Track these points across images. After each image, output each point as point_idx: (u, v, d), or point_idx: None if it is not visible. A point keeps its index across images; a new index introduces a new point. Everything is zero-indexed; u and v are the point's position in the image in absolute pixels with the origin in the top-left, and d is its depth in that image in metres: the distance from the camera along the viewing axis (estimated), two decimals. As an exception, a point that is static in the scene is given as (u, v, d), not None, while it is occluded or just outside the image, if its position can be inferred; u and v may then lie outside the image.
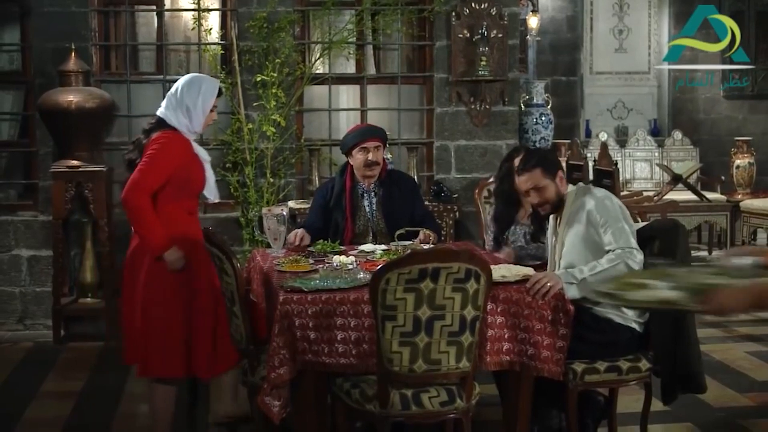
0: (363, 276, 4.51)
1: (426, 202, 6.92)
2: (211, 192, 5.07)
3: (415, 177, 7.47)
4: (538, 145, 8.56)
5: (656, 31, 13.43)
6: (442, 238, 6.77)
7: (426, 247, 5.17)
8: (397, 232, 5.49)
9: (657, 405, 4.96)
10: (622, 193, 9.34)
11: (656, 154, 12.09)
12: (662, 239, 4.69)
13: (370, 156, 5.73)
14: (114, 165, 7.75)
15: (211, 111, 4.97)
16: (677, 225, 4.88)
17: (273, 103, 7.57)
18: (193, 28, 7.93)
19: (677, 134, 12.26)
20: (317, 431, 4.45)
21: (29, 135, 7.92)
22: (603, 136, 11.95)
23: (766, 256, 3.22)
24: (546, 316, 4.38)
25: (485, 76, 7.89)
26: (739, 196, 11.24)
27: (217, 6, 8.06)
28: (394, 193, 5.82)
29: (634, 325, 4.70)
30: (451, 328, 4.06)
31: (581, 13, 13.37)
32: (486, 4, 7.94)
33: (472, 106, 8.06)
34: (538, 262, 5.38)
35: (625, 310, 4.65)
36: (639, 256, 4.56)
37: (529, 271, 4.65)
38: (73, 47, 7.42)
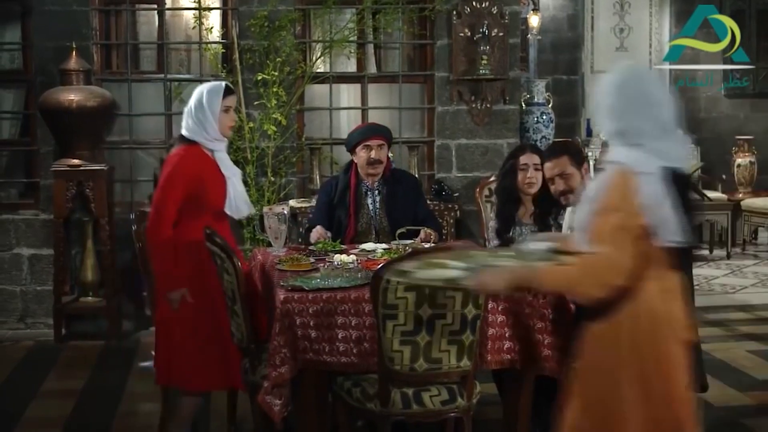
0: (364, 275, 4.51)
1: (427, 202, 6.92)
2: (232, 209, 4.96)
3: (416, 176, 7.46)
4: (538, 144, 8.55)
5: (657, 30, 13.42)
6: (443, 237, 6.77)
7: (427, 246, 5.17)
8: (398, 231, 5.50)
9: (658, 404, 4.95)
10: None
11: (657, 152, 12.06)
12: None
13: (373, 154, 5.74)
14: (115, 164, 7.76)
15: (226, 112, 4.91)
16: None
17: (274, 102, 7.57)
18: (194, 27, 7.93)
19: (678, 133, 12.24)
20: (318, 430, 4.45)
21: (30, 134, 7.92)
22: (604, 135, 11.95)
23: (563, 243, 3.38)
24: (547, 315, 4.38)
25: (486, 75, 7.88)
26: (740, 195, 11.27)
27: (218, 5, 8.06)
28: (397, 192, 5.83)
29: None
30: (452, 327, 4.07)
31: (582, 12, 13.35)
32: (487, 3, 7.93)
33: (473, 105, 8.05)
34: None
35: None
36: None
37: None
38: (74, 46, 7.42)
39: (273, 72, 7.54)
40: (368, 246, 5.36)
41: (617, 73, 3.27)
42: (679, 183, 3.12)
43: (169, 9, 8.14)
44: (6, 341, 7.48)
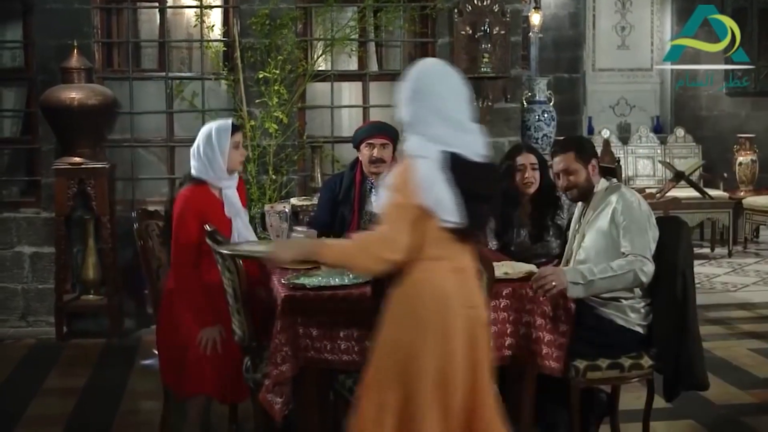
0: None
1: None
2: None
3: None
4: (540, 142, 8.56)
5: (659, 28, 13.43)
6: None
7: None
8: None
9: (659, 402, 4.96)
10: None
11: (659, 151, 12.08)
12: (665, 236, 4.68)
13: (375, 152, 5.74)
14: (116, 162, 7.76)
15: (236, 148, 4.97)
16: (680, 222, 4.87)
17: (275, 100, 7.57)
18: (195, 25, 7.94)
19: (680, 131, 12.26)
20: (319, 429, 4.44)
21: (32, 132, 7.92)
22: (605, 133, 11.95)
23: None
24: (548, 313, 4.38)
25: (487, 73, 7.88)
26: (742, 193, 11.27)
27: (219, 3, 8.06)
28: None
29: (638, 328, 4.68)
30: (454, 325, 4.06)
31: (584, 10, 13.36)
32: (488, 1, 7.93)
33: (475, 103, 8.05)
34: (543, 260, 5.39)
35: (628, 312, 4.65)
36: (650, 267, 4.53)
37: (533, 268, 4.65)
38: (76, 44, 7.42)
39: (274, 70, 7.55)
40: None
41: (411, 70, 3.54)
42: (458, 167, 3.32)
43: (170, 7, 8.14)
44: (7, 339, 7.49)
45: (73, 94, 7.24)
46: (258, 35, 7.71)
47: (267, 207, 5.59)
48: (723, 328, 7.68)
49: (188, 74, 8.10)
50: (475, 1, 7.91)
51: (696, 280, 4.95)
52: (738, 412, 5.70)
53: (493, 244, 5.58)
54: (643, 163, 12.06)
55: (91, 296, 7.64)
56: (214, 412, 5.31)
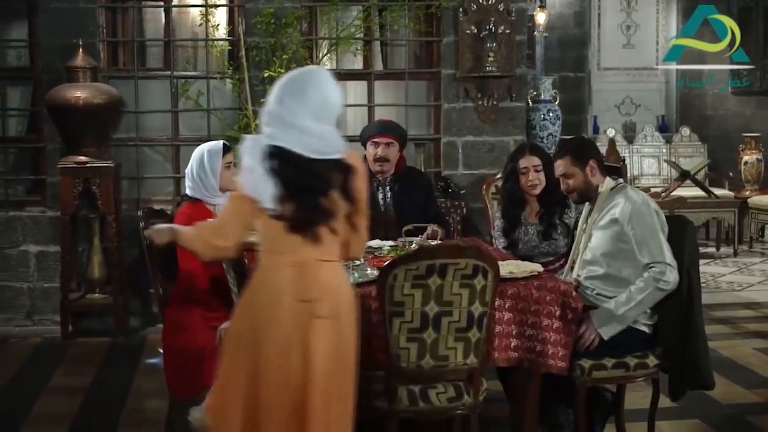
0: (371, 272, 4.51)
1: (438, 203, 6.91)
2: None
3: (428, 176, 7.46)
4: (545, 141, 8.55)
5: (664, 27, 13.42)
6: (451, 235, 6.77)
7: (433, 243, 5.17)
8: (405, 228, 5.51)
9: (665, 401, 4.95)
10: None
11: (664, 150, 12.08)
12: (670, 236, 4.67)
13: (380, 151, 5.77)
14: (121, 161, 7.77)
15: (227, 168, 5.05)
16: (685, 221, 4.87)
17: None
18: (200, 24, 7.94)
19: (685, 130, 12.25)
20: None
21: (37, 131, 7.93)
22: (611, 132, 11.95)
23: None
24: (554, 312, 4.38)
25: (493, 72, 7.88)
26: (747, 193, 11.26)
27: (224, 2, 8.06)
28: (408, 189, 5.87)
29: (643, 328, 4.69)
30: (459, 324, 4.06)
31: (589, 9, 13.36)
32: (493, 0, 7.92)
33: (480, 102, 8.05)
34: (551, 258, 5.40)
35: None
36: (672, 275, 4.54)
37: (538, 267, 4.65)
38: (81, 43, 7.42)
39: (279, 69, 7.54)
40: (375, 243, 5.36)
41: None
42: (280, 158, 3.51)
43: (175, 6, 8.14)
44: (13, 338, 7.50)
45: (79, 93, 7.25)
46: (263, 34, 7.71)
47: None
48: (728, 327, 7.67)
49: (193, 73, 8.11)
50: (481, 0, 7.91)
51: (701, 280, 4.95)
52: (744, 411, 5.69)
53: (500, 242, 5.59)
54: (648, 162, 12.05)
55: (96, 295, 7.65)
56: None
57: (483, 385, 4.31)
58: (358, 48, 8.15)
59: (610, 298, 4.63)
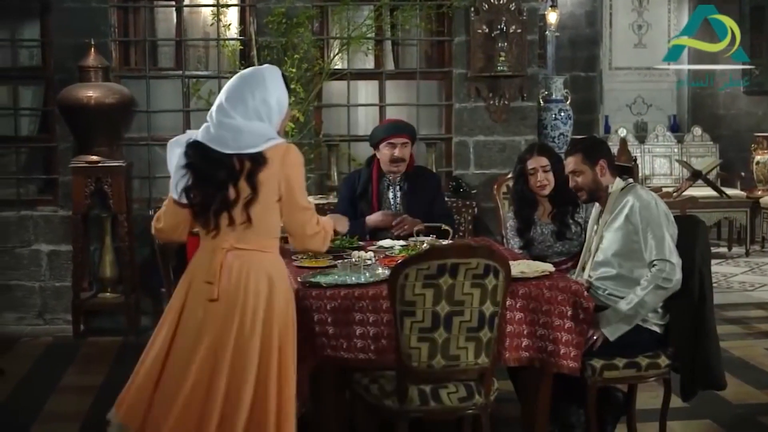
0: (382, 271, 4.51)
1: (445, 199, 6.91)
2: None
3: (437, 174, 7.46)
4: (557, 141, 8.54)
5: (676, 26, 13.41)
6: (461, 235, 6.77)
7: (444, 242, 5.16)
8: (416, 227, 5.52)
9: (676, 401, 4.94)
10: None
11: (676, 150, 12.07)
12: (682, 235, 4.67)
13: (397, 152, 5.77)
14: (133, 160, 7.79)
15: None
16: (697, 221, 4.86)
17: (292, 99, 7.55)
18: (212, 24, 7.95)
19: (697, 130, 12.23)
20: (336, 426, 4.46)
21: (49, 130, 7.96)
22: (622, 132, 11.93)
23: None
24: (566, 312, 4.37)
25: (504, 72, 7.87)
26: (759, 193, 11.23)
27: (236, 1, 8.07)
28: (417, 189, 5.88)
29: (655, 327, 4.68)
30: (470, 324, 4.06)
31: (600, 9, 13.35)
32: (505, 0, 7.92)
33: (491, 102, 8.04)
34: (564, 258, 5.39)
35: (645, 312, 4.66)
36: (674, 273, 4.53)
37: (549, 267, 4.64)
38: (93, 43, 7.44)
39: (291, 69, 7.54)
40: (386, 243, 5.37)
41: None
42: (193, 151, 3.72)
43: (187, 6, 8.16)
44: (25, 337, 7.52)
45: (91, 92, 7.26)
46: (274, 34, 7.71)
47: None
48: (740, 327, 7.65)
49: (205, 73, 8.12)
50: (492, 0, 7.90)
51: (713, 280, 4.93)
52: (755, 411, 5.67)
53: (515, 242, 5.59)
54: (660, 162, 12.04)
55: (108, 294, 7.67)
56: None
57: (494, 385, 4.31)
58: (370, 48, 8.15)
59: (622, 298, 4.63)
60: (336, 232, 4.98)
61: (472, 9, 7.92)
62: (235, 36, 7.98)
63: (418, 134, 7.86)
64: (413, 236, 5.47)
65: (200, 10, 8.23)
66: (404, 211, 5.82)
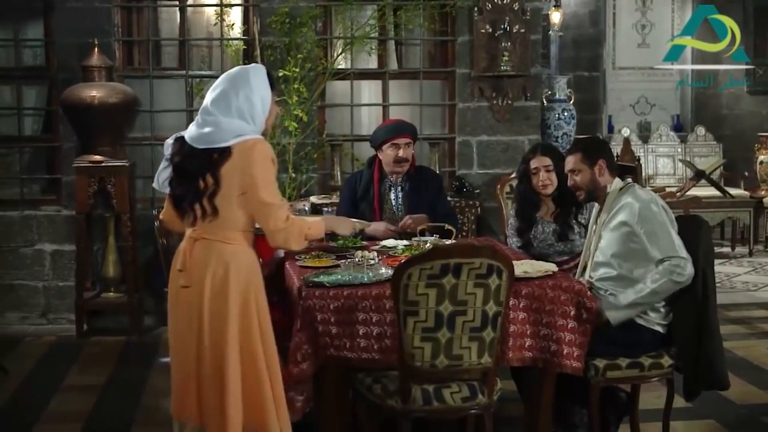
0: (385, 271, 4.50)
1: (448, 198, 6.91)
2: None
3: (439, 173, 7.46)
4: (560, 141, 8.53)
5: (679, 26, 13.37)
6: (463, 234, 6.77)
7: (447, 242, 5.16)
8: (419, 227, 5.52)
9: (679, 401, 4.94)
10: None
11: (679, 149, 12.05)
12: (685, 235, 4.66)
13: (401, 153, 5.76)
14: (136, 160, 7.79)
15: None
16: (700, 221, 4.86)
17: (295, 99, 7.58)
18: (215, 24, 7.96)
19: (700, 130, 12.21)
20: (339, 426, 4.46)
21: (52, 130, 7.96)
22: (625, 132, 11.92)
23: None
24: (569, 312, 4.37)
25: (507, 72, 7.87)
26: (763, 192, 11.21)
27: (239, 1, 8.07)
28: (419, 188, 5.87)
29: (657, 327, 4.68)
30: (473, 324, 4.06)
31: (604, 8, 13.33)
32: (508, 0, 7.92)
33: (494, 102, 8.04)
34: (566, 257, 5.39)
35: (648, 311, 4.65)
36: (687, 268, 4.53)
37: (553, 267, 4.64)
38: (96, 42, 7.44)
39: (294, 68, 7.55)
40: (389, 242, 5.37)
41: None
42: (177, 146, 4.01)
43: (190, 5, 8.16)
44: (28, 336, 7.52)
45: (94, 92, 7.27)
46: (278, 33, 7.72)
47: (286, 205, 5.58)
48: (743, 327, 7.64)
49: (208, 72, 8.13)
50: (495, 0, 7.90)
51: (716, 280, 4.93)
52: (759, 411, 5.67)
53: (514, 241, 5.59)
54: (663, 161, 12.03)
55: (111, 294, 7.67)
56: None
57: (497, 385, 4.31)
58: (373, 47, 8.15)
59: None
60: (337, 235, 5.01)
61: (476, 9, 7.92)
62: (239, 36, 7.98)
63: (421, 134, 7.90)
64: (416, 236, 5.47)
65: (203, 9, 8.23)
66: (406, 212, 5.81)
